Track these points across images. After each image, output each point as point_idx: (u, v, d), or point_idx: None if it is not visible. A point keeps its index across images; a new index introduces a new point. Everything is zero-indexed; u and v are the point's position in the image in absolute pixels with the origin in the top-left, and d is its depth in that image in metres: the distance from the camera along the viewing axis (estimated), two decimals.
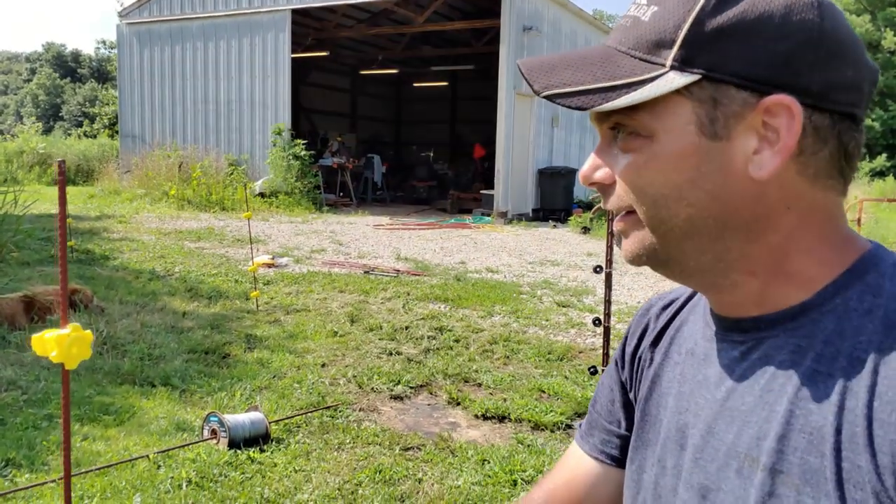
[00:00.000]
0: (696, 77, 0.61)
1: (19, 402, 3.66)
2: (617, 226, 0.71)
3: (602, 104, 0.63)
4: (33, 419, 3.45)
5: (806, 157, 0.63)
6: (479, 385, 4.39)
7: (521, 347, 5.17)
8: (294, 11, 16.59)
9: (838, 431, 0.58)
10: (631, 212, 0.68)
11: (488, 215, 15.03)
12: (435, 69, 22.96)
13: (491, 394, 4.23)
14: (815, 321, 0.64)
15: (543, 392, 4.24)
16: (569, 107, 0.64)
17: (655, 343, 0.83)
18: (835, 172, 0.65)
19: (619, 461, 0.88)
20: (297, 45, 17.63)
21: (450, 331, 5.53)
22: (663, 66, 0.62)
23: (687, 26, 0.62)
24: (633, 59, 0.64)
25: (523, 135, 15.53)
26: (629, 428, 0.87)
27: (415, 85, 25.50)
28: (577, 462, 0.92)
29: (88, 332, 0.88)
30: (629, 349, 0.87)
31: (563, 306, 6.63)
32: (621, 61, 0.64)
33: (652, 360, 0.82)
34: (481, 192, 16.17)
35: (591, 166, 0.70)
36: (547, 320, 6.03)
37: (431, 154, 23.34)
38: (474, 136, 22.21)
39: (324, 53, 20.24)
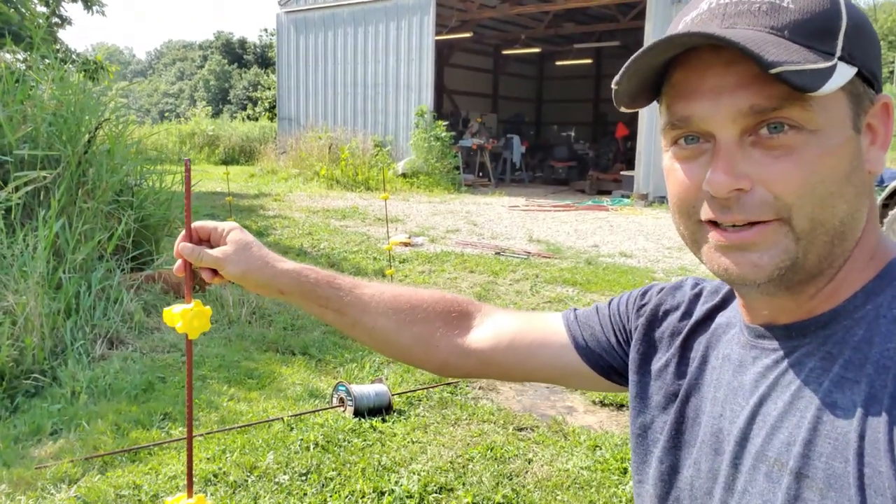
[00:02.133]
0: (855, 70, 0.61)
1: (179, 362, 4.13)
2: (744, 238, 0.63)
3: (820, 87, 0.58)
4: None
5: None
6: None
7: None
8: None
9: (861, 437, 0.59)
10: (766, 222, 0.62)
11: (628, 197, 14.63)
12: (578, 47, 22.48)
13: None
14: (846, 328, 0.64)
15: None
16: (799, 87, 0.57)
17: (687, 342, 0.82)
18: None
19: (587, 358, 0.93)
20: (440, 28, 17.95)
21: None
22: (833, 56, 0.60)
23: (845, 18, 0.61)
24: (800, 45, 0.60)
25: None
26: (608, 353, 0.92)
27: (557, 63, 25.11)
28: (554, 329, 0.97)
29: (208, 307, 1.04)
30: (651, 313, 0.87)
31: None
32: (795, 48, 0.59)
33: (686, 361, 0.82)
34: (621, 173, 15.74)
35: (730, 172, 0.62)
36: None
37: (572, 134, 22.97)
38: (619, 114, 21.57)
39: (467, 35, 20.43)
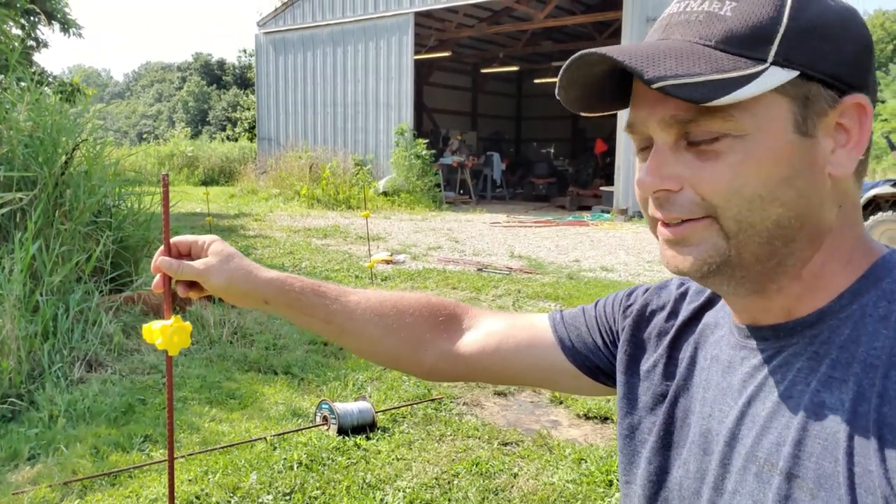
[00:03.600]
0: (795, 73, 0.61)
1: (159, 384, 4.07)
2: (676, 234, 0.66)
3: (720, 97, 0.59)
4: None
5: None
6: None
7: None
8: (417, 14, 17.03)
9: (851, 437, 0.59)
10: (697, 219, 0.64)
11: (608, 212, 14.75)
12: (556, 64, 22.72)
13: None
14: (832, 328, 0.65)
15: None
16: (686, 99, 0.59)
17: (675, 342, 0.83)
18: (864, 171, 0.67)
19: (574, 358, 0.94)
20: (419, 47, 18.10)
21: None
22: (765, 61, 0.61)
23: (785, 21, 0.61)
24: (728, 54, 0.61)
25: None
26: (594, 353, 0.92)
27: (535, 81, 25.37)
28: (541, 330, 0.97)
29: (188, 323, 1.03)
30: (638, 313, 0.88)
31: None
32: (715, 56, 0.61)
33: (674, 361, 0.82)
34: (601, 188, 15.88)
35: (655, 173, 0.65)
36: None
37: (552, 150, 23.17)
38: (597, 130, 21.82)
39: (445, 54, 20.60)
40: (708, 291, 0.84)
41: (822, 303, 0.66)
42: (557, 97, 0.71)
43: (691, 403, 0.78)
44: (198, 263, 0.98)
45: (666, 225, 0.67)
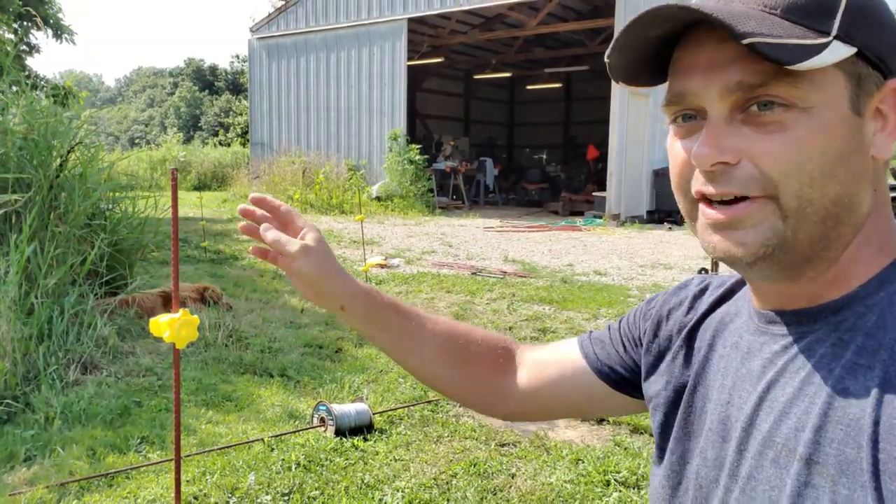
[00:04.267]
0: (854, 50, 0.61)
1: (155, 386, 4.06)
2: (730, 215, 0.64)
3: (802, 62, 0.59)
4: (166, 402, 3.83)
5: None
6: None
7: None
8: (410, 20, 17.08)
9: (876, 423, 0.58)
10: (754, 198, 0.63)
11: (600, 217, 14.81)
12: (548, 71, 22.85)
13: None
14: (858, 314, 0.64)
15: None
16: (773, 58, 0.58)
17: (692, 334, 0.83)
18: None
19: (606, 377, 0.94)
20: (412, 53, 18.14)
21: (553, 332, 5.56)
22: (828, 34, 0.60)
23: None
24: (793, 24, 0.61)
25: (637, 135, 15.19)
26: (629, 368, 0.93)
27: (528, 87, 25.48)
28: (573, 355, 0.98)
29: (196, 317, 1.04)
30: (657, 313, 0.89)
31: None
32: (781, 24, 0.61)
33: (692, 351, 0.83)
34: (593, 194, 15.95)
35: (713, 144, 0.63)
36: None
37: (544, 156, 23.25)
38: (588, 137, 21.92)
39: (438, 60, 20.65)
40: (728, 283, 0.84)
41: (849, 289, 0.65)
42: (607, 60, 0.69)
43: (709, 391, 0.78)
44: (296, 243, 0.91)
45: (713, 206, 0.65)
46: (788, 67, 0.59)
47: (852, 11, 0.61)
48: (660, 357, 0.87)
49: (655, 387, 0.86)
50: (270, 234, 0.90)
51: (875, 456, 0.57)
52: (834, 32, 0.60)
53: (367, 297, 0.96)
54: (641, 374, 0.90)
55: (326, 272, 0.92)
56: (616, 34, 0.67)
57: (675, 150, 0.69)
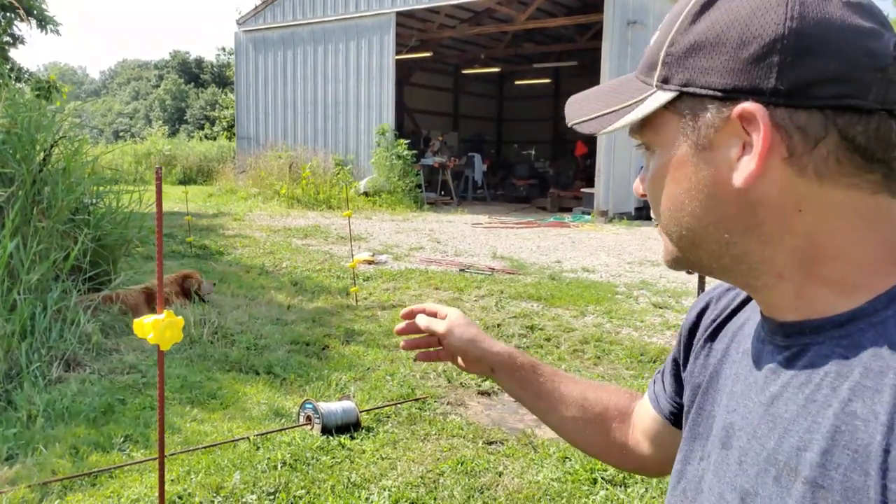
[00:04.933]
0: (674, 94, 0.65)
1: (139, 384, 4.02)
2: (658, 230, 0.75)
3: (603, 128, 0.70)
4: (150, 400, 3.79)
5: (798, 157, 0.61)
6: None
7: (613, 348, 5.13)
8: (398, 14, 17.01)
9: (886, 451, 0.56)
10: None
11: (588, 214, 14.84)
12: (537, 66, 22.84)
13: None
14: (862, 331, 0.62)
15: None
16: (584, 132, 0.72)
17: (715, 333, 0.84)
18: (848, 169, 0.61)
19: (665, 414, 0.96)
20: (401, 47, 18.07)
21: (541, 329, 5.56)
22: (651, 86, 0.68)
23: (665, 47, 0.67)
24: (639, 82, 0.70)
25: (626, 132, 15.18)
26: (673, 394, 0.93)
27: (517, 83, 25.46)
28: (647, 400, 1.01)
29: (180, 318, 1.02)
30: (687, 322, 0.90)
31: (660, 307, 6.50)
32: (632, 85, 0.71)
33: (711, 351, 0.83)
34: (582, 190, 15.98)
35: (639, 179, 0.76)
36: (642, 321, 5.94)
37: (533, 152, 23.26)
38: (577, 133, 21.83)
39: (427, 54, 20.59)
40: None
41: (857, 303, 0.63)
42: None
43: (719, 395, 0.78)
44: (442, 322, 1.13)
45: None
46: (599, 134, 0.72)
47: (674, 56, 0.66)
48: (692, 361, 0.88)
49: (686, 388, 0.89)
50: (422, 320, 1.14)
51: (884, 486, 0.55)
52: (655, 83, 0.67)
53: (509, 359, 1.11)
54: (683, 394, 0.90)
55: (473, 342, 1.10)
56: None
57: None
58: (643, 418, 1.02)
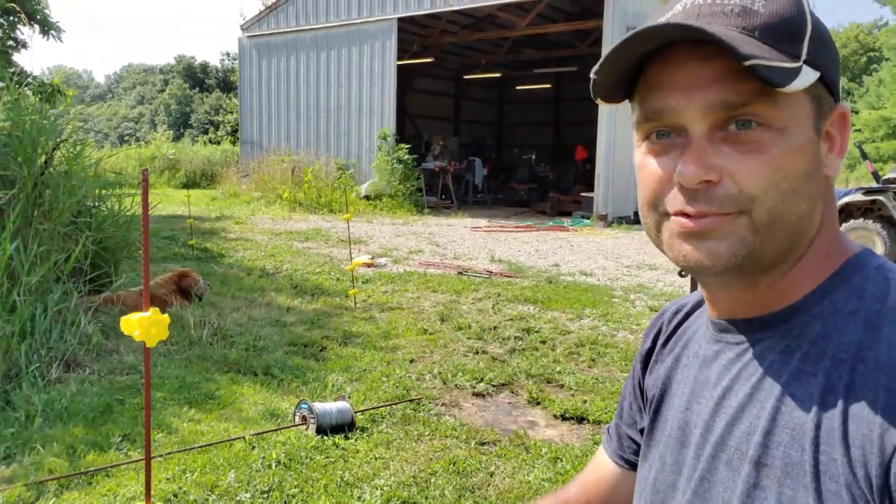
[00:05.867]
0: (818, 75, 0.64)
1: (137, 384, 4.06)
2: (702, 225, 0.66)
3: (790, 84, 0.61)
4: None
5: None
6: (562, 386, 4.44)
7: (609, 351, 5.16)
8: (400, 20, 17.09)
9: (818, 427, 0.61)
10: (729, 213, 0.65)
11: (588, 218, 14.88)
12: (538, 72, 22.91)
13: (572, 395, 4.27)
14: (804, 323, 0.67)
15: None
16: (768, 81, 0.60)
17: (665, 345, 0.87)
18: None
19: (636, 465, 0.92)
20: (402, 53, 18.14)
21: (537, 332, 5.60)
22: (798, 58, 0.63)
23: (810, 23, 0.64)
24: (769, 46, 0.62)
25: (626, 136, 15.25)
26: (631, 428, 0.94)
27: (517, 88, 25.53)
28: (603, 462, 0.99)
29: (165, 315, 1.06)
30: (643, 350, 0.92)
31: (657, 311, 6.44)
32: (762, 47, 0.62)
33: (662, 362, 0.86)
34: (581, 194, 16.01)
35: (700, 163, 0.64)
36: (638, 325, 5.97)
37: (533, 156, 23.31)
38: (577, 137, 22.00)
39: (428, 60, 20.67)
40: (697, 297, 0.86)
41: (795, 298, 0.69)
42: (594, 76, 0.70)
43: (672, 399, 0.81)
44: None
45: (686, 217, 0.66)
46: (779, 90, 0.61)
47: (816, 36, 0.64)
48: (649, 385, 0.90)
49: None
50: None
51: (816, 458, 0.60)
52: (804, 56, 0.63)
53: None
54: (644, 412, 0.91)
55: None
56: (609, 50, 0.67)
57: (650, 167, 0.70)
58: (598, 489, 0.99)
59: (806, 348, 0.66)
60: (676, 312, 0.89)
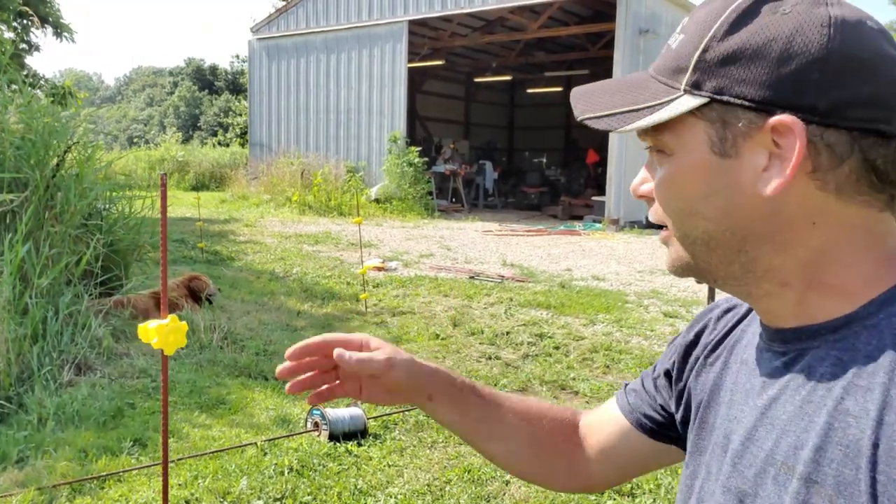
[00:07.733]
0: (704, 100, 0.66)
1: (148, 388, 4.04)
2: (661, 237, 0.75)
3: (622, 126, 0.69)
4: (160, 405, 3.80)
5: (822, 173, 0.64)
6: (576, 392, 4.39)
7: (623, 357, 5.10)
8: (411, 22, 17.08)
9: (875, 445, 0.59)
10: (666, 227, 0.73)
11: (599, 222, 14.80)
12: (549, 75, 22.85)
13: (587, 402, 4.22)
14: (857, 334, 0.65)
15: None
16: (597, 128, 0.72)
17: (714, 349, 0.85)
18: (864, 188, 0.65)
19: (641, 427, 0.94)
20: (413, 55, 18.13)
21: (550, 338, 5.54)
22: (679, 90, 0.67)
23: (698, 53, 0.67)
24: (659, 83, 0.70)
25: (637, 141, 15.07)
26: (661, 408, 0.93)
27: (528, 91, 25.47)
28: (611, 411, 0.99)
29: (184, 323, 1.02)
30: (684, 341, 0.90)
31: (671, 316, 6.47)
32: (651, 86, 0.70)
33: (710, 368, 0.84)
34: (593, 198, 15.94)
35: (640, 179, 0.76)
36: (652, 330, 5.91)
37: (544, 160, 23.25)
38: (589, 141, 21.92)
39: (439, 62, 20.65)
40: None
41: (850, 308, 0.66)
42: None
43: (719, 407, 0.80)
44: (379, 355, 0.90)
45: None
46: (616, 132, 0.71)
47: (707, 64, 0.66)
48: (688, 381, 0.89)
49: (684, 410, 0.88)
50: (353, 357, 0.89)
51: (873, 478, 0.58)
52: (682, 87, 0.67)
53: (445, 381, 0.95)
54: (674, 403, 0.90)
55: (409, 371, 0.92)
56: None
57: None
58: (599, 431, 1.00)
59: (861, 361, 0.63)
60: (727, 311, 0.88)
